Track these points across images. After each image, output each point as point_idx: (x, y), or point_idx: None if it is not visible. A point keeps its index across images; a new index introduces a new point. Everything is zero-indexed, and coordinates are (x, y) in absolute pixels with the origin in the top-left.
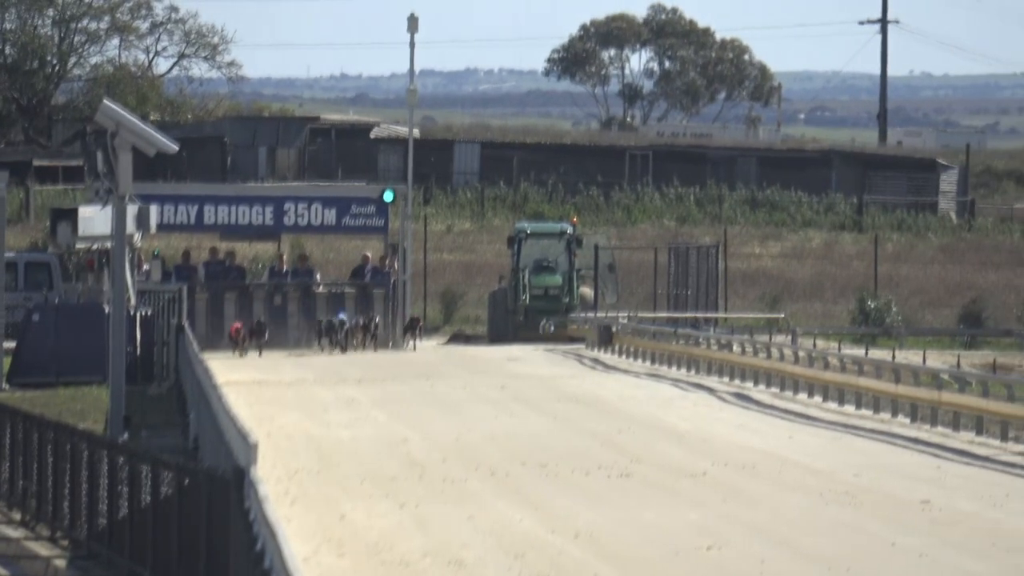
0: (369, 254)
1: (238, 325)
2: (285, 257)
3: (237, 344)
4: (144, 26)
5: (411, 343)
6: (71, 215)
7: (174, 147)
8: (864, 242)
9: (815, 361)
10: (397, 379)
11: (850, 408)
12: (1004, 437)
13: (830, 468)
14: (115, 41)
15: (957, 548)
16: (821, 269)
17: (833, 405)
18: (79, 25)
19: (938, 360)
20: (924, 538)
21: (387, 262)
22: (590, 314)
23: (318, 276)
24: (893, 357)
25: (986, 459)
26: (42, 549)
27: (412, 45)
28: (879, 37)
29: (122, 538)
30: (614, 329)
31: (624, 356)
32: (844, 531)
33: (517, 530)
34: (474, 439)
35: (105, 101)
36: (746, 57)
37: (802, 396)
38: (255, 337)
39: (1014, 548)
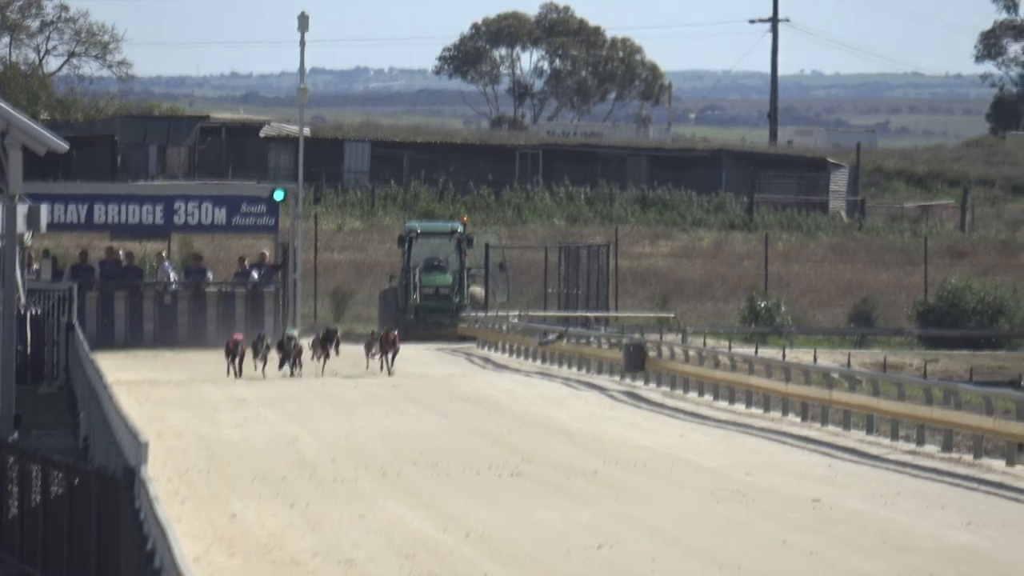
0: (266, 252)
1: (238, 337)
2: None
3: (235, 359)
4: (34, 25)
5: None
6: None
7: (64, 146)
8: (754, 241)
9: (705, 360)
10: (288, 378)
11: (740, 407)
12: (894, 436)
13: (721, 466)
14: (5, 40)
15: (847, 546)
16: (711, 268)
17: (723, 404)
18: None
19: (829, 359)
20: (815, 536)
21: (268, 258)
22: (481, 313)
23: (210, 275)
24: (783, 356)
25: (877, 458)
26: None
27: (303, 44)
28: (770, 36)
29: (12, 538)
30: (649, 353)
31: (515, 355)
32: (735, 529)
33: (408, 530)
34: (365, 438)
35: None
36: (637, 56)
37: (692, 395)
38: (256, 353)
39: (904, 546)
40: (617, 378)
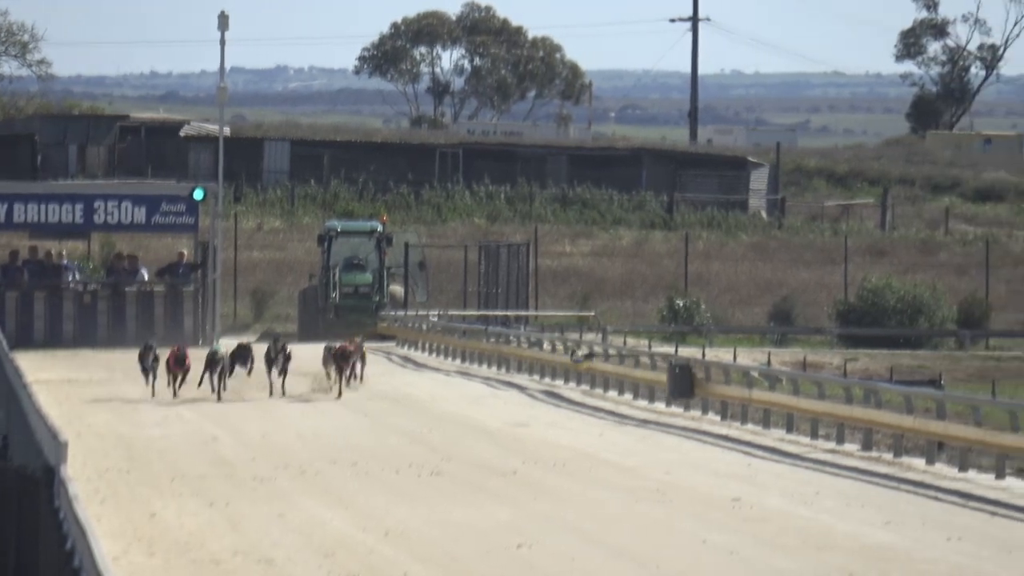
0: (184, 251)
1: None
2: (187, 254)
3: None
4: None
5: (279, 380)
6: None
7: None
8: (674, 240)
9: (625, 358)
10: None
11: (660, 406)
12: (814, 435)
13: (640, 466)
14: None
15: (767, 546)
16: (632, 267)
17: (643, 403)
18: None
19: (748, 358)
20: (734, 536)
21: (187, 257)
22: (400, 312)
23: (145, 274)
24: (703, 355)
25: (796, 457)
26: None
27: (223, 43)
28: (690, 35)
29: None
30: (695, 374)
31: (435, 354)
32: (654, 528)
33: (327, 529)
34: (284, 437)
35: None
36: (557, 55)
37: (612, 394)
38: (145, 366)
39: (823, 545)
40: (537, 377)
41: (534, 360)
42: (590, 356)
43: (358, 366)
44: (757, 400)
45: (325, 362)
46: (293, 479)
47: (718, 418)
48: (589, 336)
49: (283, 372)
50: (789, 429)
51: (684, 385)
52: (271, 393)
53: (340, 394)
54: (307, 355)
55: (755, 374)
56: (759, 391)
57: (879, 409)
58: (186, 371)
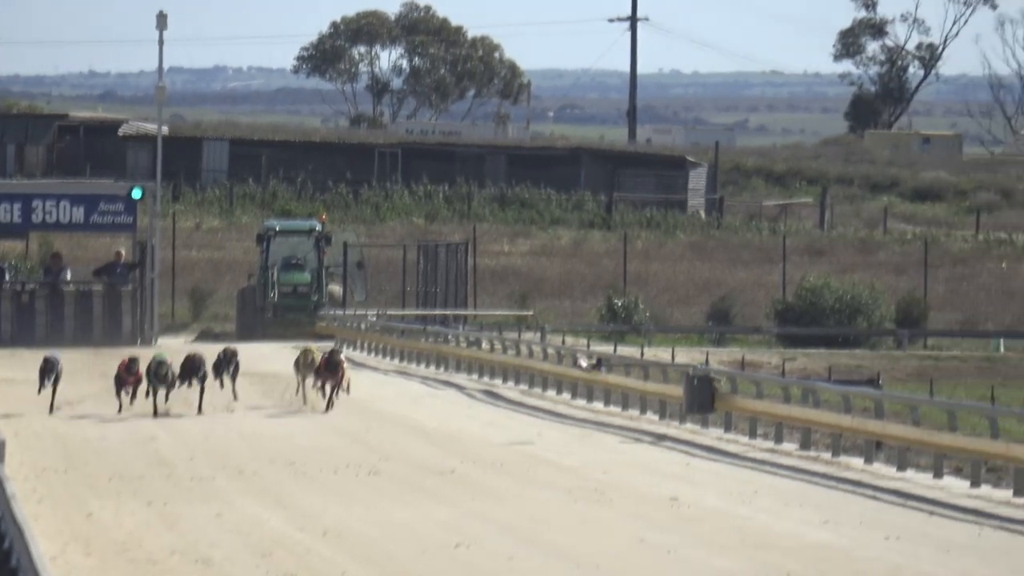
0: (122, 251)
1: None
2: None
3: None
4: None
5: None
6: None
7: None
8: (613, 240)
9: (563, 358)
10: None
11: (598, 405)
12: (752, 434)
13: (579, 465)
14: None
15: (705, 544)
16: (570, 267)
17: (581, 402)
18: None
19: (687, 357)
20: (672, 535)
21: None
22: (339, 312)
23: (68, 274)
24: (642, 354)
25: (735, 456)
26: None
27: (161, 42)
28: (628, 35)
29: None
30: (718, 387)
31: (373, 354)
32: (593, 528)
33: (265, 528)
34: (223, 437)
35: None
36: (496, 55)
37: (551, 393)
38: (43, 380)
39: (761, 544)
40: (475, 376)
41: (473, 359)
42: (598, 364)
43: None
44: None
45: (300, 367)
46: (231, 479)
47: (656, 417)
48: (528, 335)
49: (232, 379)
50: (727, 428)
51: (703, 399)
52: (235, 397)
53: (328, 407)
54: (252, 355)
55: (693, 373)
56: None
57: (817, 409)
58: (137, 382)
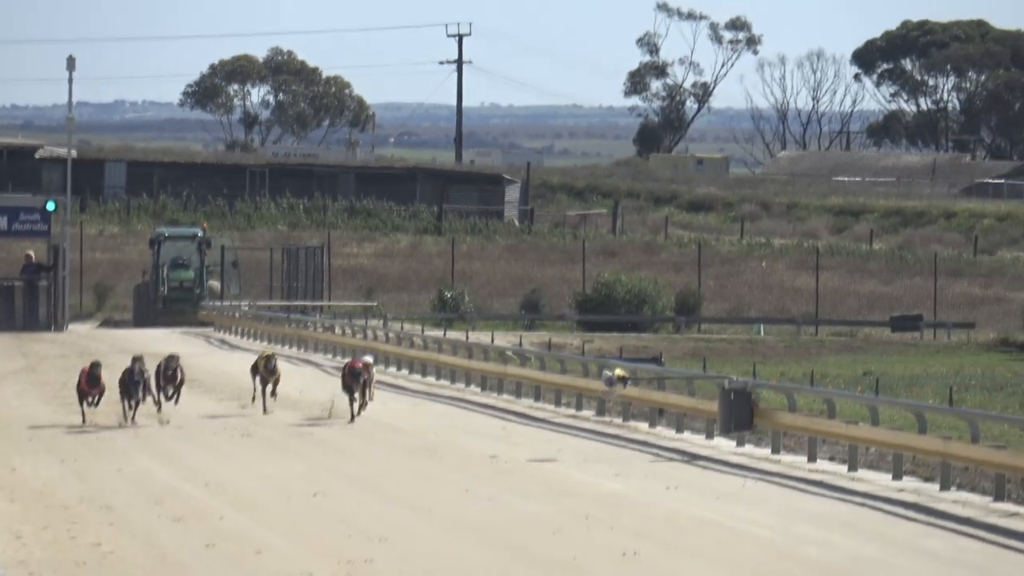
0: (31, 252)
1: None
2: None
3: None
4: None
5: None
6: None
7: None
8: (443, 243)
9: (402, 340)
10: (61, 356)
11: (431, 379)
12: (558, 403)
13: (414, 428)
14: None
15: (519, 493)
16: (408, 266)
17: (417, 377)
18: None
19: (503, 340)
20: (492, 486)
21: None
22: (217, 303)
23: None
24: (467, 337)
25: (543, 421)
26: None
27: (71, 81)
28: (455, 75)
29: None
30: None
31: (245, 337)
32: (426, 479)
33: (156, 480)
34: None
35: None
36: (347, 91)
37: (392, 369)
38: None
39: (564, 492)
40: (330, 356)
41: (328, 342)
42: (624, 380)
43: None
44: (511, 375)
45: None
46: (130, 440)
47: (479, 389)
48: (373, 322)
49: (177, 390)
50: (537, 398)
51: (742, 415)
52: (159, 408)
53: (353, 418)
54: (144, 339)
55: (510, 353)
56: (512, 367)
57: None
58: (101, 392)
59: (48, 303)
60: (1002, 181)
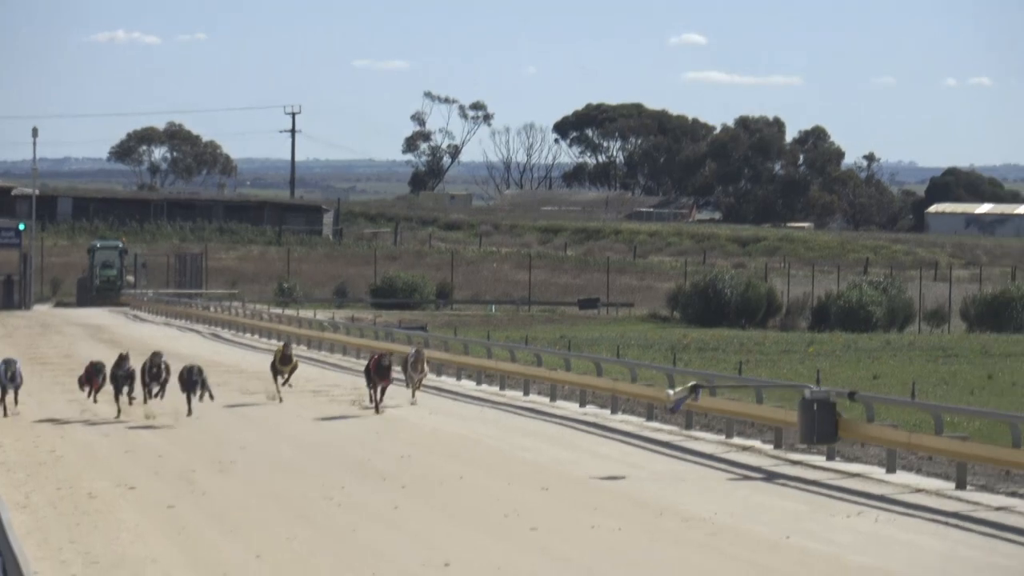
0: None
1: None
2: None
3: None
4: None
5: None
6: None
7: None
8: (282, 252)
9: (255, 316)
10: (28, 326)
11: (274, 342)
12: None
13: (262, 370)
14: None
15: (390, 439)
16: (258, 267)
17: (264, 339)
18: None
19: (322, 315)
20: (356, 428)
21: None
22: (134, 292)
23: None
24: (298, 312)
25: (348, 369)
26: None
27: (35, 144)
28: (290, 139)
29: None
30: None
31: (152, 315)
32: (292, 417)
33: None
34: (44, 356)
35: None
36: (219, 150)
37: (247, 335)
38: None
39: (435, 441)
40: (207, 327)
41: (204, 317)
42: (695, 390)
43: (415, 376)
44: (327, 338)
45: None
46: (32, 375)
47: (305, 348)
48: (235, 304)
49: (161, 388)
50: (344, 353)
51: (825, 427)
52: (145, 401)
53: (378, 410)
54: (82, 314)
55: (325, 323)
56: (329, 333)
57: (392, 342)
58: (102, 383)
59: (19, 291)
60: (652, 209)
